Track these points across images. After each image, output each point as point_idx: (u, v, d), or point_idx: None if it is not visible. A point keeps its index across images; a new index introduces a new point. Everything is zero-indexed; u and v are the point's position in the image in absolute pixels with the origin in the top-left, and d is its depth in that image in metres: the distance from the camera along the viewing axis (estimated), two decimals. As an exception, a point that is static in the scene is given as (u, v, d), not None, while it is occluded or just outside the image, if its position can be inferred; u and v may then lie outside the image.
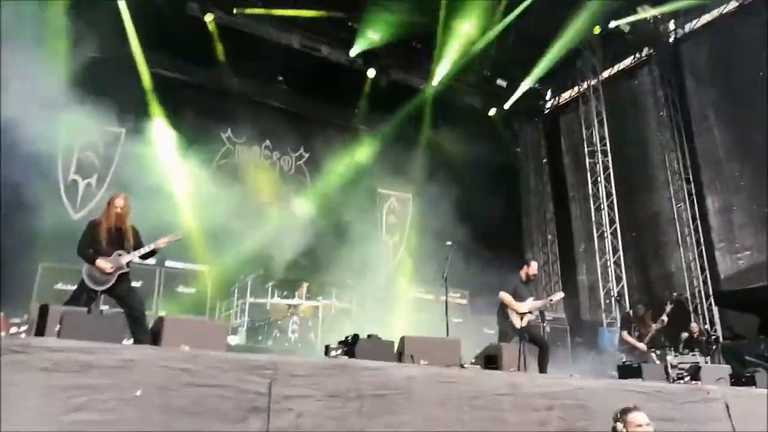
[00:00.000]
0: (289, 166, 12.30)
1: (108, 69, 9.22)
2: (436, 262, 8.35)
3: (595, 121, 13.27)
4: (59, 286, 7.52)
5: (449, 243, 7.27)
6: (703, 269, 11.63)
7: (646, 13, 12.20)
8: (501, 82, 13.98)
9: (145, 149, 9.77)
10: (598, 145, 13.09)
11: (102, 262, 5.21)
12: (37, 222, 8.16)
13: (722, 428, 4.92)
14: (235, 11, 11.01)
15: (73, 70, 8.58)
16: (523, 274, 7.03)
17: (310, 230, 10.14)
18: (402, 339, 4.85)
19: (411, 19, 11.71)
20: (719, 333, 11.04)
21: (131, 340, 4.65)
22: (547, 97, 15.68)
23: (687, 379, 6.03)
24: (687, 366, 6.85)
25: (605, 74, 13.79)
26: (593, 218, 13.01)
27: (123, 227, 5.44)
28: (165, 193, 9.61)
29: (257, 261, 9.41)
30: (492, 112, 14.59)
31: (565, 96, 15.11)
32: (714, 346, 9.52)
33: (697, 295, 11.59)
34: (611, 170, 12.88)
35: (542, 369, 6.32)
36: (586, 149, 13.35)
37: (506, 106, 14.53)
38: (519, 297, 6.80)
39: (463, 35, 12.23)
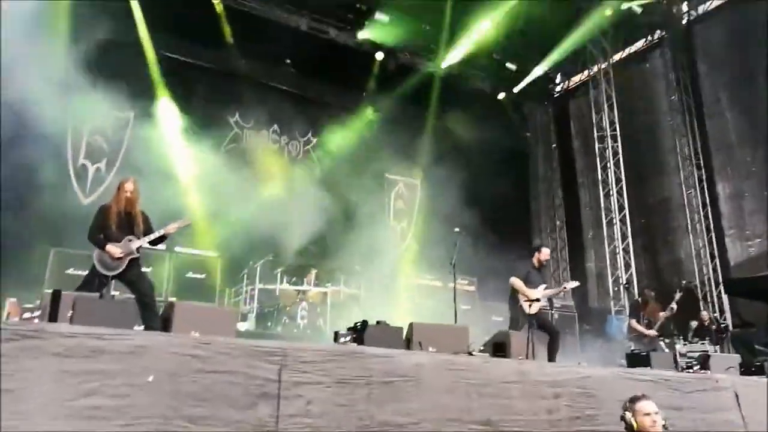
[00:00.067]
0: (297, 151, 12.26)
1: (116, 53, 9.18)
2: (444, 248, 8.32)
3: (605, 106, 13.08)
4: (70, 271, 7.55)
5: (457, 229, 7.23)
6: (713, 256, 11.54)
7: (660, -7, 12.03)
8: (511, 66, 13.84)
9: (154, 133, 9.77)
10: (608, 129, 12.91)
11: (112, 248, 5.25)
12: (48, 207, 8.18)
13: (731, 417, 4.91)
14: (242, -7, 10.95)
15: (81, 53, 8.54)
16: (535, 260, 6.97)
17: (319, 216, 10.11)
18: (410, 325, 4.85)
19: (420, 0, 11.57)
20: (728, 321, 10.98)
21: (142, 327, 4.68)
22: (557, 81, 15.51)
23: (696, 367, 6.00)
24: (696, 354, 6.85)
25: (616, 57, 13.59)
26: (602, 204, 12.89)
27: (133, 212, 5.47)
28: (174, 178, 9.65)
29: (266, 246, 9.39)
30: (501, 95, 14.44)
31: (576, 80, 14.93)
32: (724, 335, 9.49)
33: (706, 282, 11.51)
34: (621, 155, 12.71)
35: (552, 356, 6.28)
36: (595, 134, 13.17)
37: (516, 89, 14.40)
38: (530, 283, 6.72)
39: (473, 18, 12.07)
